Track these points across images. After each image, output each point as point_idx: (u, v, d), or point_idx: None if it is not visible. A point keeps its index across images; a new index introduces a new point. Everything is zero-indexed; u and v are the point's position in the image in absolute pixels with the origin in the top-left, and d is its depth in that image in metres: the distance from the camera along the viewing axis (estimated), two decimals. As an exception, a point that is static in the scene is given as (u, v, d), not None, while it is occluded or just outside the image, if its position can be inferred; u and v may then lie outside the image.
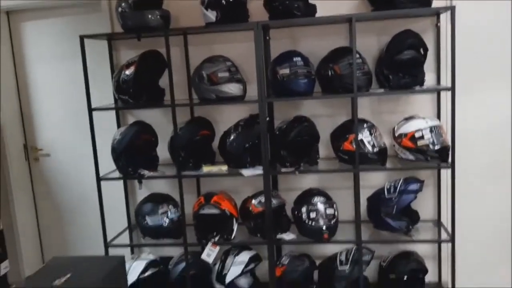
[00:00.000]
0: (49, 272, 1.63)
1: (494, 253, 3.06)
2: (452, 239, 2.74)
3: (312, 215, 2.83)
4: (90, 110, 2.89)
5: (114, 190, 3.21)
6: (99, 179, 2.96)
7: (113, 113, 3.21)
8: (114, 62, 3.19)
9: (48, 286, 1.51)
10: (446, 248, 3.03)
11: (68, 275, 1.56)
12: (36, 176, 3.63)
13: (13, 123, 3.49)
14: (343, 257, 2.92)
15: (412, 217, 2.87)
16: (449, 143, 2.68)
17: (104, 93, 3.12)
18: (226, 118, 3.10)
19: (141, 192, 3.26)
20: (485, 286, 3.05)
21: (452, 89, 2.61)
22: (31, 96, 3.53)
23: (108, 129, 3.10)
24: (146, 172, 2.93)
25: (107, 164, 3.01)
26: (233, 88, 2.77)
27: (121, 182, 3.25)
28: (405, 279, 2.83)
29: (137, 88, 2.82)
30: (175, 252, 3.22)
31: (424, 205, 3.04)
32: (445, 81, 2.86)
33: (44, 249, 3.72)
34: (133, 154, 2.90)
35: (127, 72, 2.83)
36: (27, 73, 3.51)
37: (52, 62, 3.43)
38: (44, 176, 3.61)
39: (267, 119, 2.85)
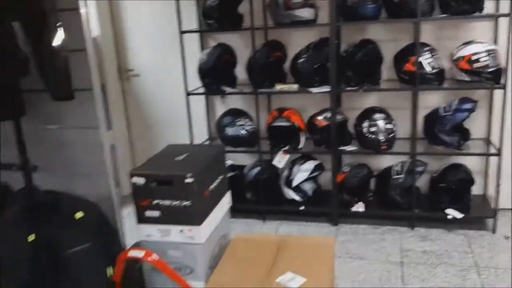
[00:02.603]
0: (168, 154, 2.12)
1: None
2: (499, 154, 3.04)
3: (373, 129, 3.20)
4: (181, 32, 3.33)
5: (194, 107, 3.69)
6: (188, 94, 3.44)
7: (196, 37, 3.64)
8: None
9: (171, 160, 1.99)
10: (493, 164, 3.33)
11: (185, 155, 2.04)
12: (127, 93, 4.16)
13: (108, 47, 3.99)
14: (398, 168, 3.31)
15: (464, 134, 3.18)
16: (503, 66, 2.92)
17: (190, 18, 3.53)
18: (297, 41, 3.44)
19: (219, 108, 3.75)
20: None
21: (510, 14, 2.81)
22: (124, 22, 3.98)
23: (191, 52, 3.54)
24: (228, 89, 3.38)
25: (189, 82, 3.48)
26: (306, 13, 3.11)
27: (203, 99, 3.73)
28: (453, 187, 3.20)
29: (221, 13, 3.22)
30: (245, 160, 3.72)
31: (476, 124, 3.32)
32: (504, 8, 3.04)
33: (135, 157, 4.32)
34: (217, 73, 3.35)
35: (213, -1, 3.23)
36: (120, 1, 3.95)
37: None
38: (134, 93, 4.14)
39: (336, 42, 3.18)
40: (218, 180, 2.06)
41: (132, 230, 2.00)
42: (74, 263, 1.58)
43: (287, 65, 3.44)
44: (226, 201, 2.18)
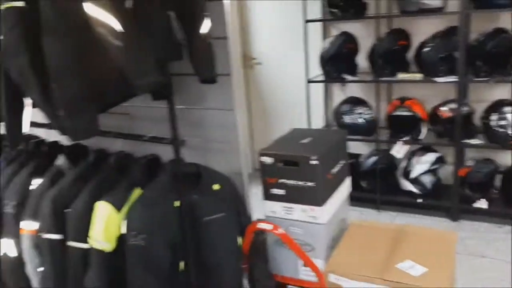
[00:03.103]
0: (293, 137, 2.23)
1: None
2: None
3: (502, 122, 3.03)
4: (306, 21, 3.43)
5: (313, 94, 3.77)
6: (308, 81, 3.54)
7: (317, 27, 3.70)
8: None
9: (297, 142, 2.09)
10: None
11: (310, 138, 2.13)
12: (249, 80, 4.37)
13: (235, 36, 4.21)
14: (529, 165, 3.10)
15: None
16: None
17: (314, 7, 3.61)
18: (422, 30, 3.35)
19: (337, 96, 3.79)
20: None
21: None
22: (250, 11, 4.17)
23: (313, 41, 3.61)
24: (348, 77, 3.41)
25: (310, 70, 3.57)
26: (434, 1, 3.01)
27: (321, 87, 3.80)
28: None
29: (346, 2, 3.26)
30: (361, 149, 3.72)
31: None
32: None
33: (254, 139, 4.54)
34: (338, 61, 3.40)
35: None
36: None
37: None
38: (255, 81, 4.34)
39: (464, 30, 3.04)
40: (340, 165, 2.12)
41: (256, 206, 2.15)
42: (211, 229, 1.76)
43: (410, 54, 3.37)
44: (346, 186, 2.24)
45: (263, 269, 2.04)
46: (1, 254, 1.85)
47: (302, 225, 1.98)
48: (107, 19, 1.25)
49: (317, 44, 3.58)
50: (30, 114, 1.58)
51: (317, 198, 1.93)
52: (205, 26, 1.67)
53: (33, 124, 1.70)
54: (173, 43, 1.58)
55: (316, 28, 3.70)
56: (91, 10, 1.25)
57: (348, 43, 3.41)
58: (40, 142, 2.02)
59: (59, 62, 1.30)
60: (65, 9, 1.28)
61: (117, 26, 1.26)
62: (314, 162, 1.87)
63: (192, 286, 1.76)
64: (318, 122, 3.84)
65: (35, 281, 1.80)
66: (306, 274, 2.00)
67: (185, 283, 1.75)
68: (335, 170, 2.07)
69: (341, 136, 2.27)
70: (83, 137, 1.43)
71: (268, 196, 2.01)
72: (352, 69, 3.49)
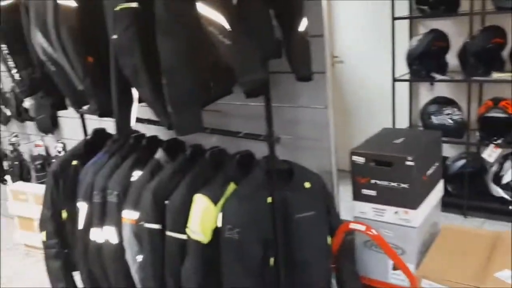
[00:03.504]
0: (385, 136, 2.18)
1: None
2: None
3: None
4: (393, 19, 3.34)
5: (397, 93, 3.66)
6: (395, 80, 3.45)
7: (404, 24, 3.59)
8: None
9: (389, 142, 2.04)
10: None
11: (402, 138, 2.07)
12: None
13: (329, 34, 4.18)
14: None
15: None
16: None
17: (400, 6, 3.51)
18: (520, 27, 3.16)
19: (424, 96, 3.66)
20: None
21: None
22: (335, 9, 4.12)
23: (399, 39, 3.52)
24: (438, 76, 3.29)
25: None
26: (536, -5, 2.83)
27: (406, 86, 3.69)
28: None
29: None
30: (448, 151, 3.56)
31: None
32: None
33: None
34: (427, 59, 3.28)
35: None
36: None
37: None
38: (337, 79, 4.28)
39: None
40: (434, 167, 2.05)
41: (341, 206, 2.13)
42: (302, 227, 1.76)
43: (505, 53, 3.18)
44: (439, 189, 2.16)
45: (351, 270, 2.01)
46: (103, 240, 1.96)
47: (393, 228, 1.93)
48: (218, 18, 1.29)
49: (403, 42, 3.48)
50: (137, 109, 1.66)
51: (411, 200, 1.87)
52: (303, 24, 1.68)
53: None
54: (273, 41, 1.60)
55: (402, 26, 3.59)
56: (203, 9, 1.29)
57: (437, 41, 3.29)
58: (140, 136, 2.12)
59: (171, 59, 1.36)
60: (178, 9, 1.34)
61: (226, 24, 1.30)
62: (409, 163, 1.82)
63: (280, 282, 1.78)
64: (402, 122, 3.73)
65: (133, 268, 1.90)
66: (396, 278, 1.96)
67: (274, 280, 1.77)
68: (429, 172, 2.00)
69: (435, 137, 2.19)
70: (188, 132, 1.49)
71: (358, 197, 1.98)
72: (442, 67, 3.35)
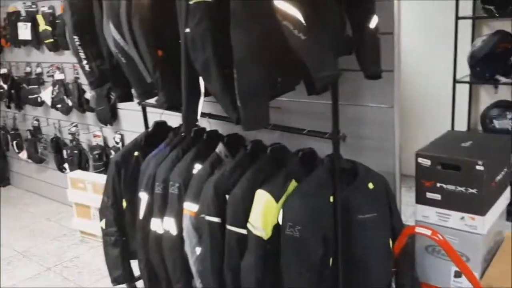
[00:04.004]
0: (451, 139, 2.11)
1: None
2: None
3: None
4: (457, 18, 3.23)
5: (457, 96, 3.52)
6: (456, 82, 3.34)
7: (467, 25, 3.46)
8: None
9: (457, 145, 1.96)
10: None
11: (470, 142, 1.99)
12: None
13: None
14: None
15: None
16: None
17: (463, 5, 3.38)
18: None
19: (484, 99, 3.52)
20: None
21: None
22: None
23: (460, 40, 3.39)
24: (502, 79, 3.15)
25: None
26: None
27: (466, 88, 3.55)
28: None
29: (505, -3, 3.00)
30: None
31: None
32: None
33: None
34: (491, 61, 3.14)
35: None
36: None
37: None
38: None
39: None
40: (503, 172, 1.96)
41: (402, 209, 2.08)
42: (364, 228, 1.73)
43: None
44: (506, 196, 2.06)
45: (411, 275, 1.96)
46: (163, 231, 1.99)
47: (457, 234, 1.86)
48: (294, 12, 1.28)
49: (465, 43, 3.35)
50: (202, 103, 1.68)
51: (479, 206, 1.80)
52: (374, 21, 1.64)
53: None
54: (343, 37, 1.58)
55: (465, 27, 3.46)
56: (279, 3, 1.28)
57: (503, 42, 3.14)
58: (201, 130, 2.14)
59: (244, 52, 1.36)
60: (254, 2, 1.33)
61: (302, 19, 1.28)
62: (480, 168, 1.75)
63: (339, 282, 1.75)
64: (460, 125, 3.60)
65: (192, 259, 1.92)
66: (458, 286, 1.89)
67: (332, 279, 1.74)
68: (498, 177, 1.92)
69: (504, 141, 2.10)
70: (256, 127, 1.48)
71: (422, 200, 1.92)
72: (508, 70, 3.20)
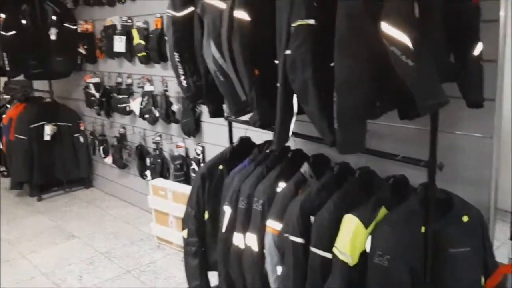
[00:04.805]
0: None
1: None
2: None
3: None
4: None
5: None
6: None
7: None
8: None
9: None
10: None
11: None
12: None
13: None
14: None
15: None
16: None
17: None
18: None
19: None
20: None
21: None
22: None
23: None
24: None
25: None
26: None
27: None
28: None
29: None
30: None
31: None
32: None
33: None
34: None
35: None
36: None
37: None
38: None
39: None
40: None
41: (495, 245, 1.95)
42: (455, 263, 1.65)
43: None
44: None
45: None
46: (245, 246, 2.01)
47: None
48: (402, 38, 1.26)
49: None
50: (294, 123, 1.69)
51: None
52: (478, 48, 1.58)
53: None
54: (448, 64, 1.53)
55: None
56: (387, 29, 1.27)
57: None
58: (286, 148, 2.15)
59: (348, 76, 1.36)
60: (361, 27, 1.33)
61: (410, 44, 1.26)
62: None
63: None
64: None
65: (272, 277, 1.92)
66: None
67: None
68: None
69: None
70: (352, 151, 1.47)
71: (518, 237, 1.81)
72: None
